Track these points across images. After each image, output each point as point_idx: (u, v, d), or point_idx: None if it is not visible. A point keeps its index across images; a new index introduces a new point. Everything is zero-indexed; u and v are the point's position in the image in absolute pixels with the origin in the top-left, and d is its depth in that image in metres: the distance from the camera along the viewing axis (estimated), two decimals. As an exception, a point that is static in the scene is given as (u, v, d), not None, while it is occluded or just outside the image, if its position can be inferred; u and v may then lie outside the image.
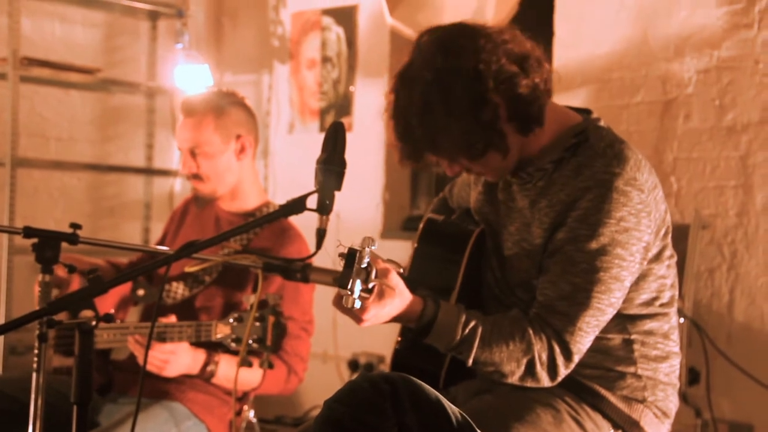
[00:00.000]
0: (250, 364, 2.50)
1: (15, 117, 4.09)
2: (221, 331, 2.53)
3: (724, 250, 3.61)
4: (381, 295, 1.90)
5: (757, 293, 3.54)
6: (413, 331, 2.00)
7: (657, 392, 2.09)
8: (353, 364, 4.53)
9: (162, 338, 2.56)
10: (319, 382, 4.36)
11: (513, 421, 1.99)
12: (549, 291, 1.99)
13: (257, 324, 2.47)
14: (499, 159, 2.01)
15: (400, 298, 1.94)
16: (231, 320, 2.53)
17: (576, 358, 1.98)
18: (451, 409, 1.79)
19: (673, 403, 2.13)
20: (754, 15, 3.54)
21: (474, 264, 2.16)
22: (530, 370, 1.96)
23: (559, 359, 1.97)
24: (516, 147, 2.02)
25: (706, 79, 3.66)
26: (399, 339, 2.20)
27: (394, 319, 1.98)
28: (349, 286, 1.79)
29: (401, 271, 1.97)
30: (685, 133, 3.71)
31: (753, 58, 3.54)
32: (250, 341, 2.46)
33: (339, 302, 1.90)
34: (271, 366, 2.52)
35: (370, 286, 1.86)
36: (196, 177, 2.89)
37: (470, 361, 1.98)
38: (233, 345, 2.52)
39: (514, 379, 1.98)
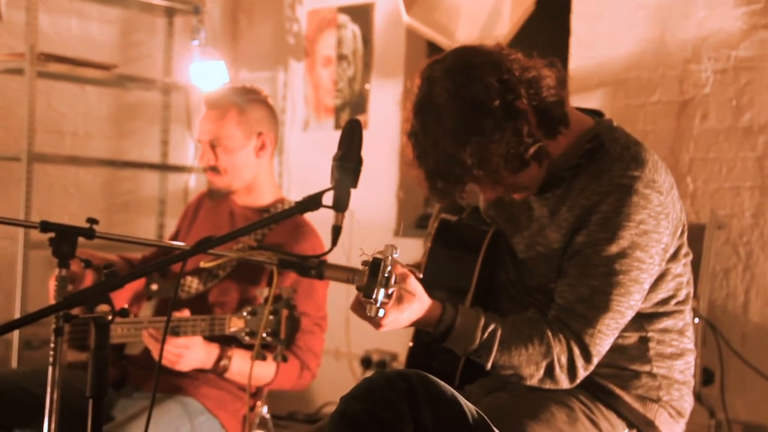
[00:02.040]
0: (264, 357, 2.50)
1: (32, 112, 4.10)
2: (235, 324, 2.54)
3: (739, 251, 3.59)
4: (400, 300, 1.90)
5: (772, 294, 3.53)
6: (431, 336, 2.00)
7: (672, 391, 2.09)
8: (366, 361, 4.54)
9: (176, 332, 2.57)
10: (332, 378, 4.36)
11: (528, 419, 1.99)
12: (568, 294, 1.99)
13: (271, 317, 2.48)
14: (536, 168, 2.00)
15: (419, 303, 1.94)
16: (245, 314, 2.53)
17: (595, 360, 1.98)
18: (468, 406, 1.79)
19: (687, 403, 2.13)
20: (773, 15, 3.53)
21: (489, 264, 2.16)
22: (549, 373, 1.96)
23: (579, 361, 1.96)
24: (547, 153, 2.02)
25: (723, 80, 3.64)
26: (412, 341, 2.20)
27: (413, 324, 1.98)
28: (373, 296, 1.79)
29: (420, 276, 1.96)
30: (701, 134, 3.69)
31: (771, 58, 3.53)
32: (264, 334, 2.47)
33: (360, 310, 1.91)
34: (285, 359, 2.52)
35: (390, 291, 1.86)
36: (213, 169, 2.90)
37: (489, 365, 1.98)
38: (247, 338, 2.52)
39: (533, 382, 1.98)
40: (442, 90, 1.94)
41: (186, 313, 2.63)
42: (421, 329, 2.07)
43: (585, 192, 2.00)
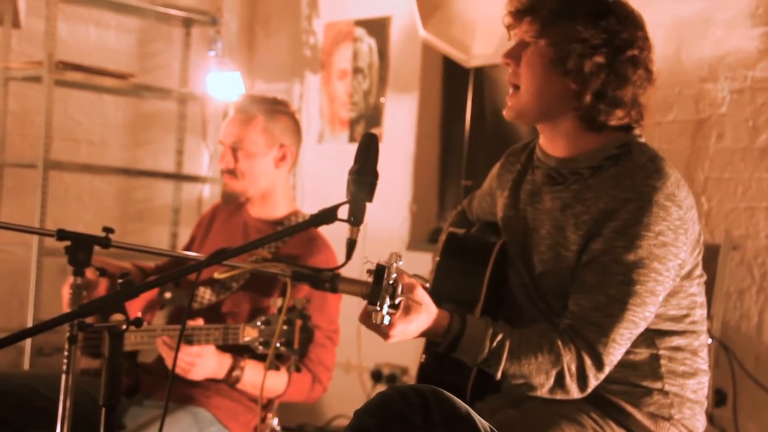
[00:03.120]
0: (277, 368, 2.50)
1: (48, 120, 4.12)
2: (249, 334, 2.54)
3: (754, 272, 3.58)
4: (408, 311, 1.90)
5: (786, 316, 3.51)
6: (440, 345, 2.00)
7: (684, 410, 2.08)
8: (376, 375, 4.53)
9: (189, 341, 2.57)
10: (342, 391, 4.36)
11: None
12: (583, 301, 1.99)
13: (285, 327, 2.48)
14: (559, 84, 2.03)
15: (427, 313, 1.94)
16: (258, 323, 2.53)
17: (607, 370, 1.97)
18: (482, 423, 1.79)
19: (700, 422, 2.12)
20: (790, 36, 3.53)
21: (497, 276, 2.16)
22: (560, 382, 1.95)
23: (590, 371, 1.95)
24: (573, 112, 2.05)
25: (739, 100, 3.64)
26: (424, 356, 2.20)
27: (422, 335, 1.98)
28: (378, 303, 1.80)
29: (427, 285, 1.96)
30: (717, 153, 3.69)
31: (788, 79, 3.53)
32: (278, 344, 2.47)
33: (366, 319, 1.90)
34: (298, 369, 2.52)
35: (397, 301, 1.86)
36: (230, 172, 2.91)
37: (499, 374, 1.98)
38: (260, 348, 2.53)
39: (543, 392, 1.97)
40: None
41: (200, 322, 2.64)
42: (431, 340, 2.06)
43: (604, 195, 2.01)
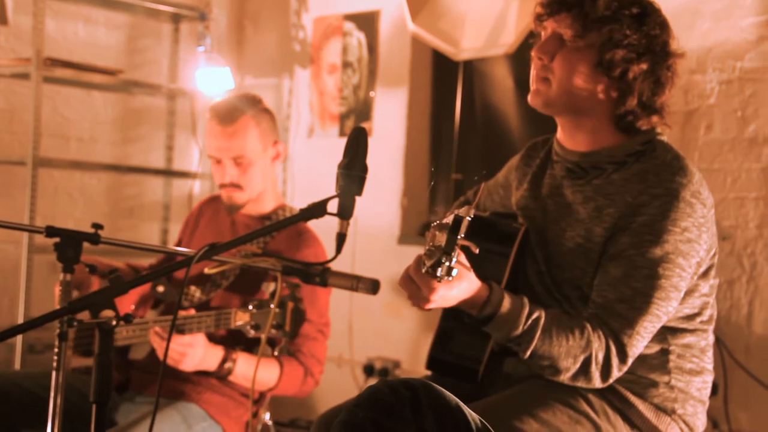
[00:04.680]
0: (271, 352, 2.49)
1: (37, 117, 4.11)
2: (241, 318, 2.53)
3: (743, 262, 3.59)
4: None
5: (776, 306, 3.53)
6: (474, 318, 1.97)
7: (687, 406, 2.08)
8: (368, 369, 4.53)
9: (181, 330, 2.57)
10: (334, 385, 4.36)
11: (527, 415, 1.99)
12: (609, 293, 1.99)
13: (277, 310, 2.47)
14: (596, 85, 2.04)
15: (469, 281, 1.92)
16: (250, 307, 2.53)
17: (629, 362, 1.99)
18: (471, 415, 1.79)
19: (701, 421, 2.12)
20: (778, 27, 3.53)
21: (519, 260, 2.16)
22: (585, 369, 1.96)
23: (614, 360, 1.96)
24: (604, 112, 2.07)
25: (728, 90, 3.64)
26: (440, 323, 2.19)
27: (459, 304, 1.94)
28: (452, 253, 1.75)
29: (476, 251, 1.94)
30: (706, 144, 3.70)
31: (776, 70, 3.53)
32: (266, 329, 2.47)
33: (417, 271, 1.86)
34: (290, 352, 2.51)
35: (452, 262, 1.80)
36: (235, 186, 2.88)
37: (528, 354, 1.97)
38: (252, 332, 2.52)
39: (567, 376, 1.97)
40: None
41: (191, 311, 2.63)
42: (458, 312, 2.01)
43: (630, 190, 2.02)
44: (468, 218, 1.77)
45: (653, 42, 2.03)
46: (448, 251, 1.75)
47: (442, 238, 1.75)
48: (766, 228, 3.54)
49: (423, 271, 1.80)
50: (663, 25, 2.06)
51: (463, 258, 1.91)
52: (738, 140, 3.62)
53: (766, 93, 3.56)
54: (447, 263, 1.76)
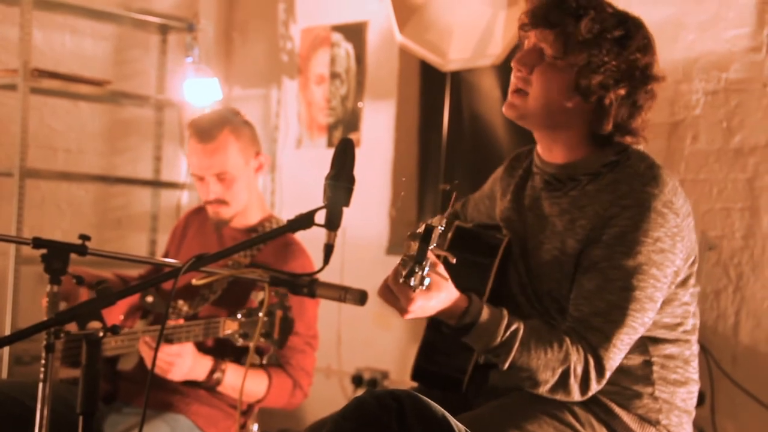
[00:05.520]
0: (260, 362, 2.49)
1: (24, 128, 4.10)
2: (229, 327, 2.53)
3: (730, 272, 3.61)
4: (429, 287, 1.87)
5: (762, 316, 3.54)
6: (452, 328, 1.98)
7: (672, 417, 2.09)
8: (357, 380, 4.53)
9: (170, 340, 2.56)
10: (323, 396, 4.36)
11: (511, 426, 1.99)
12: (584, 307, 2.00)
13: (265, 319, 2.47)
14: (566, 100, 2.04)
15: (447, 292, 1.92)
16: (239, 316, 2.53)
17: (608, 375, 1.99)
18: (458, 426, 1.80)
19: (686, 431, 2.13)
20: (763, 38, 3.55)
21: (502, 271, 2.16)
22: (564, 381, 1.96)
23: (593, 374, 1.96)
24: (580, 127, 2.07)
25: (713, 101, 3.67)
26: (425, 333, 2.19)
27: (438, 314, 1.95)
28: (423, 263, 1.76)
29: (454, 261, 1.94)
30: (692, 155, 3.71)
31: (761, 81, 3.55)
32: (254, 338, 2.47)
33: (395, 282, 1.87)
34: (277, 362, 2.51)
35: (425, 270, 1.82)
36: (221, 202, 2.88)
37: (506, 365, 1.97)
38: (240, 341, 2.52)
39: (546, 389, 1.97)
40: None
41: (181, 322, 2.63)
42: (442, 322, 2.02)
43: (601, 202, 2.02)
44: (440, 227, 1.79)
45: (633, 66, 2.02)
46: (419, 260, 1.76)
47: (415, 248, 1.76)
48: (752, 238, 3.56)
49: (400, 281, 1.80)
50: (645, 48, 2.05)
51: (441, 269, 1.92)
52: (723, 151, 3.64)
53: (751, 104, 3.58)
54: (419, 272, 1.77)
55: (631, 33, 2.04)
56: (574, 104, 2.04)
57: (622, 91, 2.02)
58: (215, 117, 2.90)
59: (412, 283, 1.78)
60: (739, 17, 3.60)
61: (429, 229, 1.77)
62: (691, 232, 2.06)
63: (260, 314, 2.47)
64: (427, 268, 1.78)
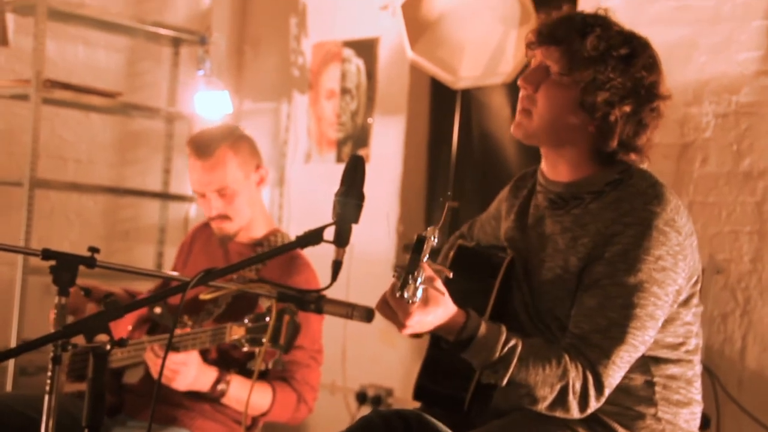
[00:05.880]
0: (265, 372, 2.48)
1: (35, 138, 4.12)
2: (236, 332, 2.53)
3: (737, 296, 3.60)
4: (426, 302, 1.88)
5: (770, 340, 3.53)
6: (450, 344, 1.98)
7: None
8: (361, 396, 4.52)
9: (176, 348, 2.57)
10: (327, 413, 4.35)
11: None
12: (584, 324, 2.00)
13: (273, 323, 2.47)
14: (572, 116, 2.05)
15: (444, 307, 1.93)
16: (246, 321, 2.53)
17: (607, 392, 1.98)
18: (464, 447, 1.80)
19: None
20: (774, 62, 3.56)
21: (504, 290, 2.17)
22: (562, 398, 1.95)
23: (591, 391, 1.96)
24: (585, 144, 2.08)
25: (724, 124, 3.66)
26: (427, 351, 2.19)
27: (435, 329, 1.95)
28: (415, 273, 1.76)
29: (450, 276, 1.94)
30: (701, 177, 3.71)
31: (772, 104, 3.55)
32: (263, 339, 2.46)
33: (392, 296, 1.87)
34: (283, 366, 2.51)
35: (419, 286, 1.82)
36: (224, 217, 2.88)
37: (505, 381, 1.96)
38: (247, 346, 2.52)
39: (544, 405, 1.97)
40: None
41: (187, 330, 2.63)
42: (441, 336, 2.02)
43: (603, 220, 2.03)
44: (432, 238, 1.79)
45: (638, 84, 2.03)
46: (411, 270, 1.77)
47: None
48: (760, 262, 3.55)
49: (396, 294, 1.80)
50: (651, 67, 2.06)
51: (439, 284, 1.92)
52: (733, 174, 3.64)
53: (761, 127, 3.58)
54: (412, 283, 1.77)
55: (636, 51, 2.05)
56: (579, 121, 2.05)
57: (627, 109, 2.02)
58: (212, 133, 2.91)
59: (405, 295, 1.78)
60: (751, 40, 3.60)
61: (420, 240, 1.78)
62: (694, 251, 2.06)
63: (267, 318, 2.47)
64: (420, 279, 1.78)
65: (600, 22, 2.05)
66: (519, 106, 2.13)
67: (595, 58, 2.01)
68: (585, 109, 2.03)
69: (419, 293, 1.80)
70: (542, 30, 2.08)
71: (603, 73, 2.00)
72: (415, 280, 1.77)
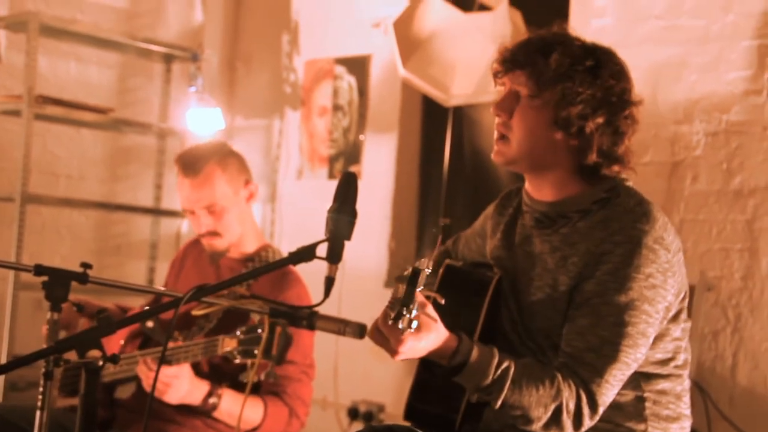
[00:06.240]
0: (258, 384, 2.47)
1: (27, 154, 4.12)
2: (228, 344, 2.53)
3: (728, 313, 3.61)
4: (419, 328, 1.88)
5: (760, 357, 3.53)
6: (444, 368, 1.98)
7: None
8: (353, 412, 4.51)
9: (168, 361, 2.56)
10: (318, 428, 4.34)
11: None
12: (576, 343, 2.00)
13: (265, 335, 2.47)
14: (549, 136, 2.05)
15: (437, 333, 1.93)
16: (238, 333, 2.52)
17: (600, 411, 1.98)
18: (455, 463, 1.80)
19: None
20: (764, 81, 3.58)
21: (493, 309, 2.17)
22: (556, 418, 1.96)
23: (585, 410, 1.96)
24: (566, 163, 2.08)
25: (714, 143, 3.68)
26: (417, 370, 2.19)
27: (429, 355, 1.95)
28: (410, 305, 1.77)
29: (442, 302, 1.95)
30: (692, 195, 3.73)
31: (761, 123, 3.57)
32: (255, 351, 2.46)
33: (385, 323, 1.87)
34: (275, 378, 2.51)
35: (413, 312, 1.83)
36: (213, 234, 2.88)
37: (498, 403, 1.97)
38: (239, 358, 2.51)
39: (539, 426, 1.97)
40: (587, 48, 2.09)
41: (179, 343, 2.63)
42: (433, 361, 2.01)
43: (593, 239, 2.03)
44: (427, 270, 1.80)
45: (609, 93, 2.04)
46: (406, 303, 1.78)
47: (402, 291, 1.78)
48: (751, 280, 3.57)
49: (389, 323, 1.81)
50: (619, 74, 2.08)
51: (430, 309, 1.93)
52: (723, 192, 3.66)
53: (751, 146, 3.60)
54: (407, 315, 1.79)
55: (601, 61, 2.06)
56: (557, 140, 2.06)
57: (601, 119, 2.03)
58: (200, 150, 2.92)
59: (400, 326, 1.80)
60: (741, 60, 3.63)
61: (416, 272, 1.79)
62: (681, 267, 2.07)
63: (259, 330, 2.46)
64: (414, 311, 1.80)
65: (560, 39, 2.07)
66: (496, 134, 2.14)
67: (561, 75, 2.02)
68: (560, 127, 2.04)
69: (414, 324, 1.81)
70: (505, 57, 2.10)
71: (571, 88, 2.02)
72: (410, 312, 1.79)
